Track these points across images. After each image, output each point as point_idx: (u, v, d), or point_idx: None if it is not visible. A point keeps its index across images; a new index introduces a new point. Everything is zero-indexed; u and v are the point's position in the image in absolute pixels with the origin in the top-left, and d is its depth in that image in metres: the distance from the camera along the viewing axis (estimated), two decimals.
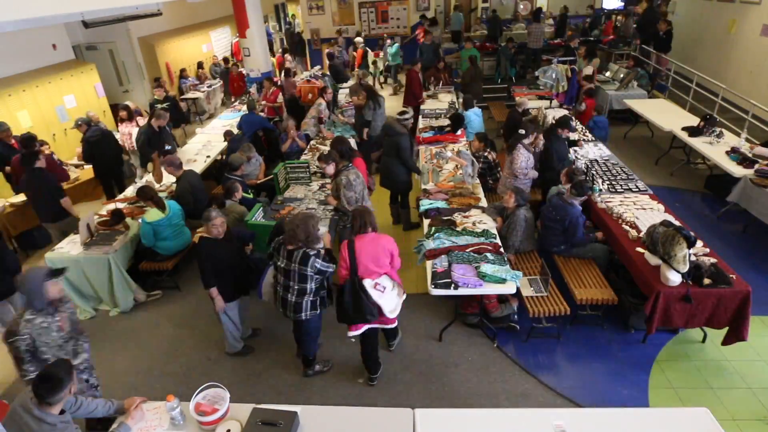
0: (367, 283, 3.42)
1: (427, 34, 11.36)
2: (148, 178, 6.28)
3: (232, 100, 11.06)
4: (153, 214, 4.81)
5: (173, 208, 4.97)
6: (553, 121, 5.60)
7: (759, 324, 4.18)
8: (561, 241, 4.55)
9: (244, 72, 10.59)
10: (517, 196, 4.52)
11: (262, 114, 8.32)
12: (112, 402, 2.76)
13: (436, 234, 4.44)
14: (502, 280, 3.79)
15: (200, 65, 12.38)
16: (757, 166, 5.37)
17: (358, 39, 12.66)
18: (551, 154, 5.48)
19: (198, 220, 5.60)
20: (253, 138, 7.45)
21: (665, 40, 9.53)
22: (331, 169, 4.72)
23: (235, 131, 7.29)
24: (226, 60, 13.56)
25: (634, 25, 11.64)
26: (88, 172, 7.02)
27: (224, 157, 7.05)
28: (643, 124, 8.41)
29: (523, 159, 5.19)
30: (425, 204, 5.06)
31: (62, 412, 2.46)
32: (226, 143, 6.97)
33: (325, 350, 4.32)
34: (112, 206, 5.45)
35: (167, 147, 6.99)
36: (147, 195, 4.86)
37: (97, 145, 6.51)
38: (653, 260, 3.93)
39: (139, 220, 5.00)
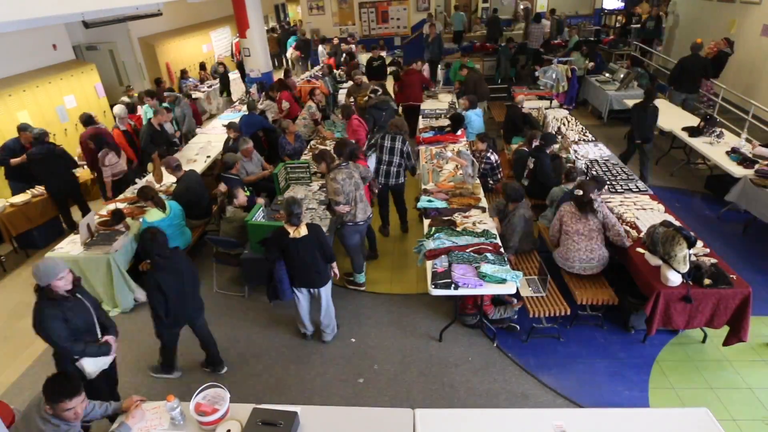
0: None
1: (432, 27, 11.38)
2: (149, 178, 6.28)
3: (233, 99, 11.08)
4: (153, 215, 4.81)
5: (174, 208, 4.98)
6: (541, 142, 5.60)
7: (759, 324, 4.18)
8: None
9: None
10: (505, 192, 4.52)
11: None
12: (110, 403, 2.77)
13: (436, 234, 4.44)
14: (502, 281, 3.79)
15: (203, 66, 12.38)
16: (757, 166, 5.37)
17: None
18: (543, 169, 5.50)
19: (198, 220, 5.64)
20: (253, 138, 7.44)
21: (714, 61, 8.13)
22: (323, 167, 4.70)
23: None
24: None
25: None
26: (87, 172, 7.03)
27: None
28: None
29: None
30: (424, 201, 5.07)
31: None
32: (228, 136, 6.79)
33: (328, 349, 4.33)
34: (112, 206, 5.45)
35: (175, 142, 7.09)
36: (147, 195, 4.86)
37: (43, 163, 5.84)
38: (653, 260, 3.93)
39: (140, 220, 5.00)
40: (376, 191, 5.48)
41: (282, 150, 6.79)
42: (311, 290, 4.13)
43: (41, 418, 2.37)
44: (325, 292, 4.15)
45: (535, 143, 5.69)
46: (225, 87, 11.51)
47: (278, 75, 10.30)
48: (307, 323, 4.37)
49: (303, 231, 3.86)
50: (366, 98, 8.06)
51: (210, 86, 11.46)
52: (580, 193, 4.13)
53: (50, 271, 2.88)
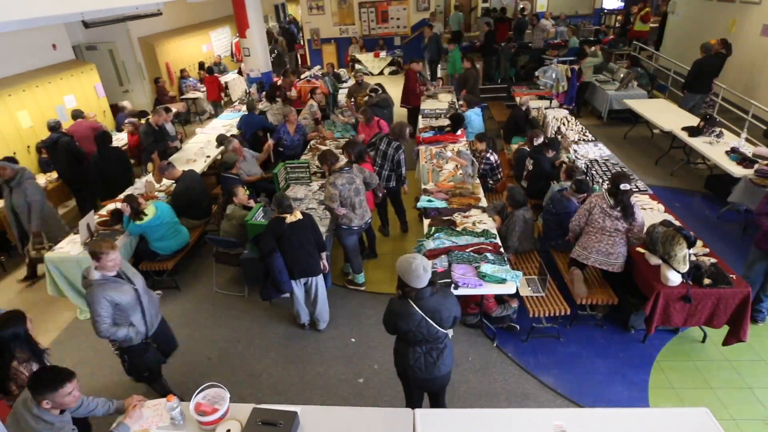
0: None
1: (429, 29, 11.39)
2: (149, 178, 6.27)
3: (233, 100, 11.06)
4: (138, 221, 4.82)
5: (161, 209, 4.94)
6: (545, 141, 5.66)
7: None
8: (558, 234, 4.61)
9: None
10: (509, 197, 4.54)
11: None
12: (112, 402, 2.78)
13: (436, 234, 4.44)
14: (502, 280, 3.79)
15: (201, 66, 12.38)
16: (757, 166, 5.37)
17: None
18: (540, 169, 5.52)
19: (198, 220, 5.64)
20: (253, 138, 7.45)
21: None
22: (325, 168, 4.75)
23: (230, 133, 7.28)
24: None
25: None
26: None
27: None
28: (643, 124, 8.41)
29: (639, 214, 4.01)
30: (424, 201, 5.07)
31: (62, 412, 2.47)
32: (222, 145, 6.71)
33: (328, 349, 4.33)
34: (112, 206, 5.45)
35: (177, 144, 7.19)
36: (130, 202, 4.81)
37: (52, 151, 6.29)
38: (653, 260, 3.93)
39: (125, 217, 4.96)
40: (380, 195, 5.41)
41: (277, 136, 6.68)
42: (307, 282, 4.27)
43: (33, 416, 2.36)
44: (321, 282, 4.33)
45: (537, 142, 5.69)
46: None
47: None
48: (304, 314, 4.48)
49: (298, 215, 4.06)
50: (366, 97, 8.06)
51: None
52: (627, 187, 3.85)
53: None
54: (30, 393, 2.37)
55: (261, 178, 6.17)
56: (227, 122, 8.44)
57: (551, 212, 4.68)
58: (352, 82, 10.01)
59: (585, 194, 4.53)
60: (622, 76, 9.20)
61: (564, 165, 5.23)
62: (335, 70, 10.92)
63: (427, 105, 8.52)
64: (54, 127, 6.26)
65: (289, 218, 4.01)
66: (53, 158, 6.47)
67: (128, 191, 6.09)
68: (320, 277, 4.31)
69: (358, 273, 5.07)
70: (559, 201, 4.59)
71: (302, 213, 4.12)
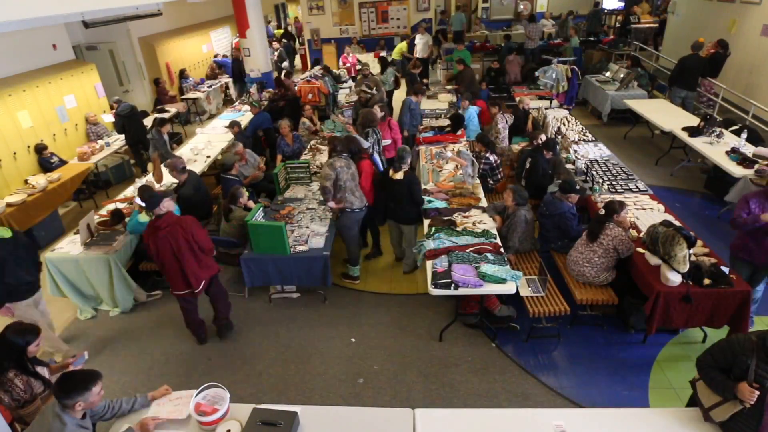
0: None
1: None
2: (149, 178, 6.27)
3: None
4: (145, 215, 4.81)
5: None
6: (541, 143, 5.63)
7: (759, 324, 4.18)
8: (557, 236, 4.60)
9: None
10: (515, 195, 4.52)
11: None
12: (135, 397, 2.79)
13: (436, 234, 4.45)
14: (502, 280, 3.80)
15: (182, 74, 12.26)
16: (756, 166, 5.37)
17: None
18: (537, 170, 5.51)
19: (199, 221, 5.62)
20: (254, 137, 7.45)
21: (711, 62, 8.19)
22: (328, 152, 5.14)
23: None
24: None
25: None
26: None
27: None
28: (643, 124, 8.41)
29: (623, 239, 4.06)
30: (424, 201, 5.07)
31: (84, 416, 2.51)
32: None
33: (328, 349, 4.33)
34: (112, 206, 5.45)
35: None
36: (143, 198, 4.82)
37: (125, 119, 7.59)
38: (653, 260, 3.93)
39: (133, 212, 4.97)
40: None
41: (280, 150, 6.76)
42: (399, 226, 4.96)
43: (53, 413, 2.40)
44: (408, 229, 4.93)
45: (536, 143, 5.70)
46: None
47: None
48: (396, 249, 5.27)
49: (398, 176, 4.67)
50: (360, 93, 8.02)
51: (210, 86, 11.48)
52: (602, 212, 4.15)
53: None
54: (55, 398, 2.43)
55: (253, 178, 6.19)
56: (227, 122, 8.41)
57: (545, 215, 4.64)
58: (352, 82, 10.01)
59: (576, 195, 4.54)
60: (622, 76, 9.20)
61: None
62: (332, 70, 10.88)
63: (427, 105, 8.52)
64: (120, 101, 8.22)
65: (391, 174, 4.75)
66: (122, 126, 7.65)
67: (129, 189, 6.10)
68: (410, 227, 4.90)
69: (354, 265, 5.08)
70: (551, 203, 4.57)
71: (406, 173, 4.70)
